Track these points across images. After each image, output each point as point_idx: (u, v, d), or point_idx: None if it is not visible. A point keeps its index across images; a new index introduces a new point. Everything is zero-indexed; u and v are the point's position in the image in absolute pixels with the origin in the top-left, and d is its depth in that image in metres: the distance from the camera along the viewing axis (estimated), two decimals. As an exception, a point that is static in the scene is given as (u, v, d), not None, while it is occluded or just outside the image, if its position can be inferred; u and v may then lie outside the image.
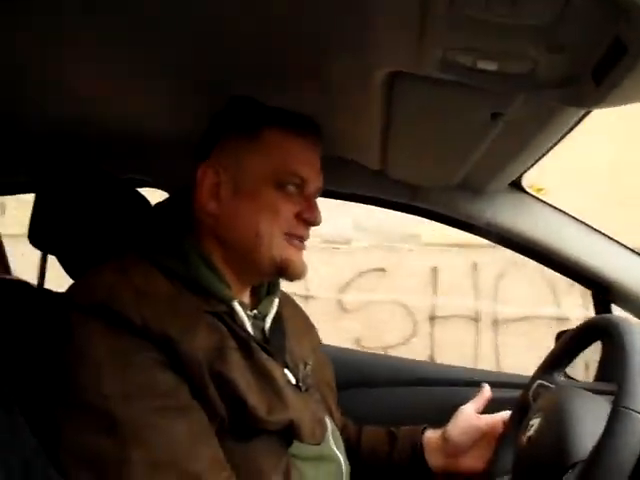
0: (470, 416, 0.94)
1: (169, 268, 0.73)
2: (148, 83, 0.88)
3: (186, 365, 0.66)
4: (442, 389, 1.27)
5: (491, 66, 0.58)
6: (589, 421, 0.71)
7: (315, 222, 0.80)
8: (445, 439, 0.93)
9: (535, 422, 0.80)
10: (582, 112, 0.75)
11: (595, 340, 0.86)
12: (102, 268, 0.74)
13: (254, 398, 0.70)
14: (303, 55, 0.72)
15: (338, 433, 0.89)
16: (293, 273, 0.79)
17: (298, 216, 0.78)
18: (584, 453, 0.66)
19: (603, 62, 0.51)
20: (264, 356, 0.76)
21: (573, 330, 0.87)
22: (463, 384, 1.24)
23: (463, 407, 0.95)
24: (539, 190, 1.10)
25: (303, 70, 0.77)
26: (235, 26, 0.64)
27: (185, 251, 0.76)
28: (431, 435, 0.96)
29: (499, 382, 1.21)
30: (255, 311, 0.82)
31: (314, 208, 0.80)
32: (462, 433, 0.92)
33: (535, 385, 0.87)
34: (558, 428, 0.73)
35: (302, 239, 0.80)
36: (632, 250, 1.13)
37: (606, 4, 0.44)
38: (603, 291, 1.15)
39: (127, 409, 0.64)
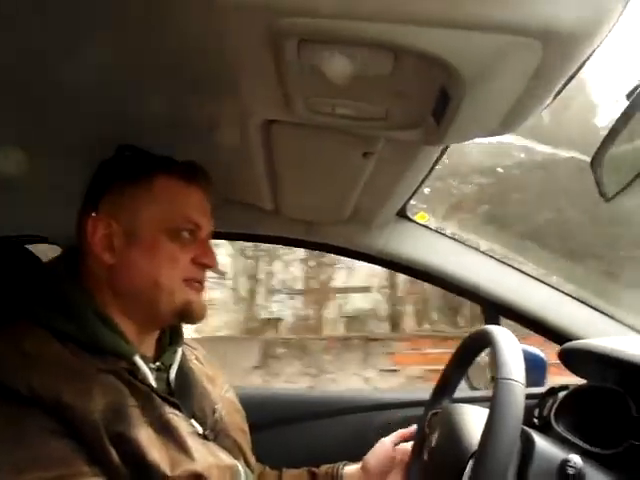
0: (387, 447, 0.98)
1: (62, 331, 0.70)
2: (36, 136, 0.88)
3: (81, 430, 0.64)
4: (355, 416, 1.29)
5: (348, 112, 0.64)
6: (476, 421, 0.77)
7: (212, 265, 0.81)
8: (364, 469, 0.97)
9: (432, 438, 0.86)
10: (441, 148, 0.84)
11: (479, 353, 0.93)
12: None
13: (155, 454, 0.68)
14: (182, 107, 0.75)
15: (252, 479, 0.89)
16: (195, 316, 0.79)
17: (194, 261, 0.79)
18: (477, 443, 0.71)
19: (438, 106, 0.58)
20: (168, 409, 0.74)
21: (456, 349, 0.94)
22: (373, 408, 1.28)
23: (383, 439, 1.00)
24: (423, 217, 1.19)
25: (185, 121, 0.80)
26: (121, 82, 0.67)
27: (79, 311, 0.73)
28: (350, 469, 0.99)
29: (405, 402, 1.27)
30: (158, 363, 0.81)
31: (210, 252, 0.81)
32: (378, 463, 0.96)
33: (429, 416, 0.94)
34: (451, 435, 0.79)
35: (200, 282, 0.80)
36: (512, 265, 1.24)
37: (428, 61, 0.51)
38: (491, 306, 1.25)
39: None
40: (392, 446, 0.99)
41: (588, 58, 0.53)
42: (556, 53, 0.49)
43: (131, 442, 0.66)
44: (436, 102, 0.58)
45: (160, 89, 0.69)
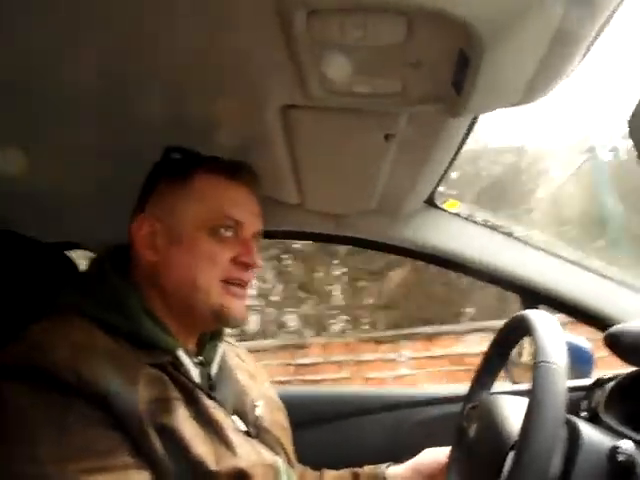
0: (439, 451, 0.96)
1: (109, 323, 0.71)
2: (71, 146, 0.90)
3: (127, 421, 0.64)
4: (393, 413, 1.27)
5: (365, 89, 0.62)
6: (516, 411, 0.74)
7: (254, 265, 0.79)
8: (414, 471, 0.95)
9: (471, 431, 0.82)
10: (466, 124, 0.81)
11: (517, 340, 0.89)
12: (37, 328, 0.70)
13: (200, 448, 0.68)
14: (201, 101, 0.75)
15: (294, 477, 0.87)
16: (231, 321, 0.78)
17: (235, 260, 0.77)
18: (518, 433, 0.68)
19: (457, 74, 0.56)
20: (211, 404, 0.74)
21: (493, 338, 0.90)
22: (410, 405, 1.25)
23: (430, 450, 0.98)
24: (453, 205, 1.15)
25: (205, 116, 0.80)
26: (141, 81, 0.68)
27: (126, 304, 0.74)
28: (395, 470, 0.97)
29: (438, 399, 1.23)
30: (200, 357, 0.81)
31: (251, 250, 0.79)
32: (429, 467, 0.95)
33: (467, 409, 0.90)
34: (490, 426, 0.76)
35: (242, 284, 0.79)
36: (548, 251, 1.19)
37: (444, 24, 0.48)
38: (529, 294, 1.20)
39: (65, 473, 0.60)
40: (443, 451, 0.95)
41: (612, 15, 0.50)
42: (578, 8, 0.46)
43: (176, 435, 0.66)
44: (455, 70, 0.56)
45: (174, 86, 0.69)
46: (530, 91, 0.58)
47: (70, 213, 1.18)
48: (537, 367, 0.65)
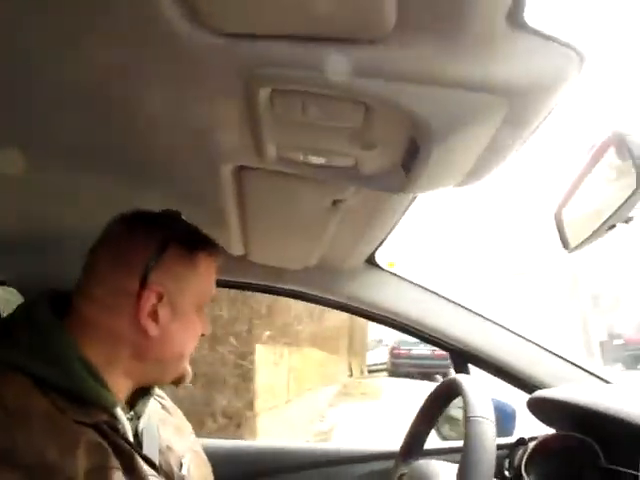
0: None
1: (43, 378, 0.66)
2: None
3: None
4: (325, 470, 1.26)
5: (320, 161, 0.65)
6: (447, 476, 0.77)
7: (206, 334, 0.84)
8: None
9: None
10: (411, 196, 0.85)
11: (448, 403, 0.93)
12: None
13: None
14: (154, 152, 0.75)
15: None
16: (185, 381, 0.82)
17: (200, 331, 0.82)
18: None
19: (407, 157, 0.60)
20: (148, 470, 0.71)
21: (423, 403, 0.94)
22: (343, 462, 1.25)
23: None
24: (391, 265, 1.20)
25: (157, 167, 0.80)
26: (91, 128, 0.67)
27: (64, 357, 0.69)
28: None
29: (376, 455, 1.24)
30: (131, 413, 0.77)
31: (207, 321, 0.84)
32: None
33: (397, 477, 0.92)
34: None
35: None
36: (480, 313, 1.26)
37: (399, 114, 0.52)
38: (459, 353, 1.25)
39: None
40: None
41: (550, 112, 0.56)
42: (520, 109, 0.52)
43: None
44: (405, 153, 0.60)
45: (129, 135, 0.69)
46: (473, 174, 0.63)
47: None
48: (468, 422, 0.69)
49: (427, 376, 13.18)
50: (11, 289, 1.27)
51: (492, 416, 0.71)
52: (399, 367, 14.36)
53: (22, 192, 0.92)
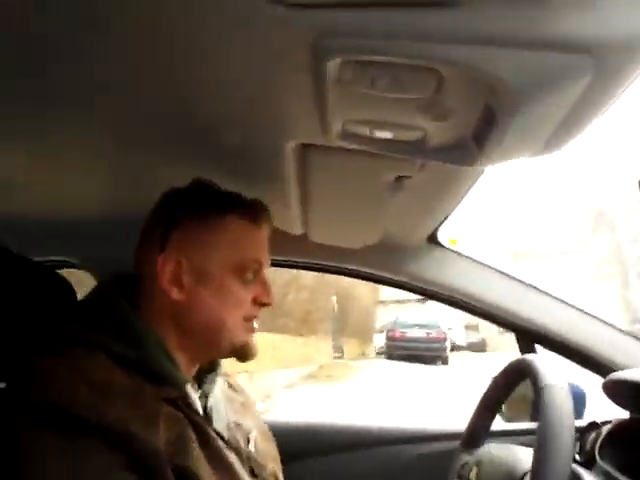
0: None
1: (124, 357, 0.69)
2: (71, 164, 0.89)
3: (148, 463, 0.62)
4: (384, 449, 1.26)
5: (387, 135, 0.63)
6: (519, 456, 0.75)
7: (271, 304, 0.81)
8: None
9: (472, 475, 0.82)
10: (479, 171, 0.82)
11: (516, 384, 0.90)
12: (49, 361, 0.67)
13: None
14: (217, 127, 0.75)
15: None
16: (249, 355, 0.80)
17: (255, 300, 0.79)
18: (525, 465, 0.68)
19: (480, 126, 0.57)
20: (221, 444, 0.73)
21: (487, 389, 0.91)
22: (402, 441, 1.24)
23: None
24: (453, 242, 1.16)
25: (218, 141, 0.80)
26: (151, 99, 0.67)
27: (140, 336, 0.72)
28: None
29: (438, 435, 1.22)
30: (200, 390, 0.80)
31: (269, 291, 0.81)
32: None
33: (459, 465, 0.90)
34: (495, 464, 0.76)
35: (255, 320, 0.81)
36: (548, 292, 1.21)
37: (475, 80, 0.50)
38: (525, 334, 1.21)
39: None
40: None
41: (637, 76, 0.51)
42: (606, 70, 0.48)
43: (192, 477, 0.65)
44: (478, 123, 0.57)
45: (194, 106, 0.69)
46: (550, 144, 0.60)
47: (68, 230, 1.17)
48: (543, 389, 0.67)
49: (423, 359, 13.08)
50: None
51: (566, 384, 0.68)
52: (394, 350, 14.31)
53: (91, 176, 0.95)
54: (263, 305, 0.80)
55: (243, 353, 0.79)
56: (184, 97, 0.66)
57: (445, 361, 14.04)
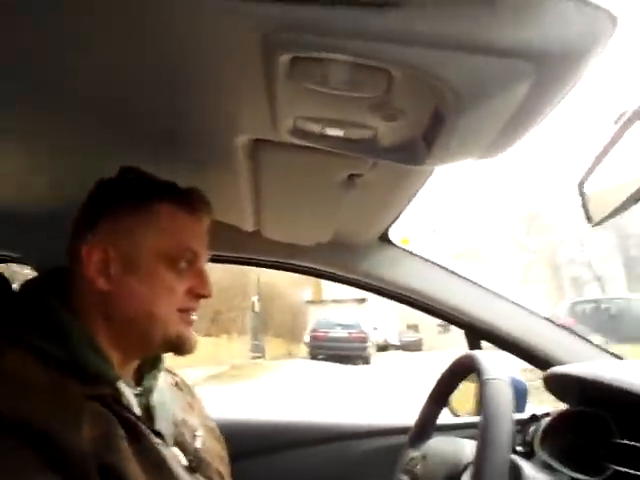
0: None
1: (47, 353, 0.67)
2: (15, 153, 0.85)
3: (69, 462, 0.59)
4: (337, 444, 1.27)
5: (338, 133, 0.64)
6: (464, 444, 0.77)
7: (208, 296, 0.79)
8: None
9: (418, 469, 0.84)
10: (429, 170, 0.84)
11: (462, 379, 0.92)
12: None
13: None
14: (167, 121, 0.73)
15: None
16: (185, 349, 0.77)
17: (190, 291, 0.77)
18: (469, 456, 0.70)
19: (429, 128, 0.58)
20: (154, 439, 0.71)
21: (435, 383, 0.93)
22: (354, 437, 1.26)
23: None
24: (405, 241, 1.18)
25: (169, 137, 0.78)
26: (102, 95, 0.65)
27: (67, 333, 0.69)
28: None
29: (387, 429, 1.24)
30: (139, 388, 0.78)
31: (207, 282, 0.78)
32: None
33: (406, 461, 0.92)
34: (438, 456, 0.78)
35: (193, 313, 0.78)
36: (494, 290, 1.25)
37: (424, 82, 0.51)
38: (473, 330, 1.25)
39: None
40: None
41: (580, 79, 0.54)
42: (546, 77, 0.50)
43: (120, 475, 0.63)
44: (427, 123, 0.58)
45: (142, 101, 0.67)
46: (496, 146, 0.62)
47: (8, 222, 1.12)
48: (485, 384, 0.69)
49: (345, 358, 13.36)
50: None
51: (507, 378, 0.71)
52: (317, 350, 14.45)
53: (38, 167, 0.91)
54: (199, 296, 0.78)
55: (178, 346, 0.76)
56: (132, 85, 0.64)
57: (366, 360, 14.14)
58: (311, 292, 20.17)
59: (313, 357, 14.37)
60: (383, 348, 17.48)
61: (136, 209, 0.75)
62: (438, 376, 0.97)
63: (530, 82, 0.49)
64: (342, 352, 13.68)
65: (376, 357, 15.40)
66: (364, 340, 14.39)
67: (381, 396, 7.05)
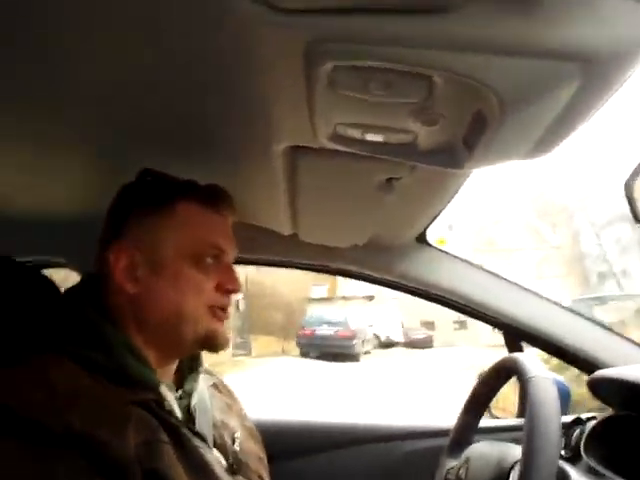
0: None
1: (90, 361, 0.68)
2: (53, 160, 0.88)
3: (116, 469, 0.61)
4: (375, 446, 1.27)
5: (377, 138, 0.64)
6: (508, 446, 0.76)
7: (237, 291, 0.79)
8: None
9: (462, 472, 0.83)
10: (468, 173, 0.83)
11: (504, 382, 0.91)
12: (12, 371, 0.66)
13: None
14: (206, 126, 0.75)
15: None
16: (218, 345, 0.78)
17: (219, 287, 0.77)
18: (514, 458, 0.69)
19: (471, 131, 0.58)
20: (197, 442, 0.72)
21: (473, 389, 0.92)
22: (393, 438, 1.25)
23: None
24: (441, 242, 1.17)
25: (207, 141, 0.80)
26: (140, 97, 0.67)
27: (107, 340, 0.71)
28: None
29: (428, 432, 1.24)
30: (180, 391, 0.79)
31: (235, 277, 0.79)
32: None
33: (447, 470, 0.90)
34: (484, 458, 0.77)
35: (224, 309, 0.79)
36: (534, 292, 1.22)
37: (466, 87, 0.50)
38: (513, 331, 1.23)
39: None
40: None
41: (625, 82, 0.52)
42: (594, 78, 0.49)
43: (165, 479, 0.64)
44: (469, 127, 0.58)
45: (184, 105, 0.68)
46: (538, 149, 0.60)
47: (53, 228, 1.15)
48: (528, 382, 0.68)
49: (337, 357, 13.02)
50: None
51: (552, 376, 0.69)
52: (306, 347, 14.20)
53: (80, 173, 0.94)
54: (229, 292, 0.78)
55: (211, 343, 0.77)
56: (175, 96, 0.66)
57: (355, 358, 13.83)
58: (326, 289, 20.02)
59: (304, 355, 14.20)
60: (387, 345, 17.18)
61: (158, 210, 0.76)
62: (476, 381, 0.95)
63: (576, 84, 0.48)
64: (329, 350, 13.47)
65: (372, 355, 15.03)
66: (351, 338, 14.09)
67: (351, 394, 6.95)
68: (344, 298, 18.33)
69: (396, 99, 0.54)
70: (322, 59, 0.50)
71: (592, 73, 0.48)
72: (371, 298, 18.38)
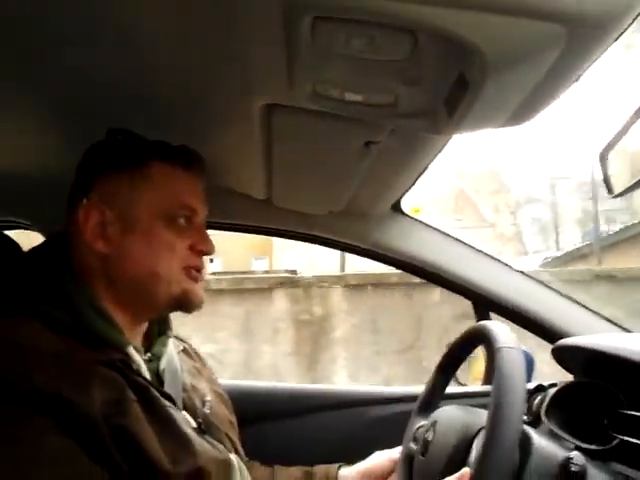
0: (385, 454, 0.96)
1: (55, 320, 0.67)
2: (18, 118, 0.84)
3: (82, 426, 0.61)
4: (346, 411, 1.28)
5: (357, 97, 0.62)
6: (474, 411, 0.78)
7: (210, 252, 0.79)
8: (362, 474, 0.95)
9: (429, 434, 0.85)
10: (447, 140, 0.82)
11: (471, 350, 0.93)
12: None
13: (156, 450, 0.66)
14: (179, 83, 0.72)
15: (247, 473, 0.87)
16: (192, 305, 0.78)
17: (192, 248, 0.77)
18: (479, 423, 0.71)
19: (452, 95, 0.57)
20: (164, 402, 0.72)
21: (444, 354, 0.94)
22: (364, 403, 1.27)
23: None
24: (416, 211, 1.17)
25: (180, 98, 0.77)
26: (110, 53, 0.64)
27: (72, 299, 0.70)
28: (345, 472, 0.97)
29: (395, 397, 1.26)
30: (149, 354, 0.79)
31: (207, 238, 0.79)
32: (377, 469, 0.95)
33: (415, 429, 0.92)
34: (450, 426, 0.79)
35: (199, 270, 0.78)
36: (503, 263, 1.24)
37: (450, 45, 0.49)
38: (482, 302, 1.25)
39: None
40: (392, 453, 0.96)
41: (607, 48, 0.52)
42: (578, 41, 0.48)
43: (132, 437, 0.64)
44: (450, 90, 0.57)
45: (154, 59, 0.66)
46: (520, 114, 0.60)
47: (21, 190, 1.11)
48: (497, 351, 0.70)
49: None
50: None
51: (519, 345, 0.71)
52: None
53: (48, 133, 0.90)
54: (202, 253, 0.78)
55: (185, 302, 0.77)
56: (146, 50, 0.63)
57: None
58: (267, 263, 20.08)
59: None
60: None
61: (130, 169, 0.75)
62: (447, 346, 0.97)
63: (561, 47, 0.48)
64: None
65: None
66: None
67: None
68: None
69: (378, 56, 0.52)
70: (302, 11, 0.48)
71: (577, 36, 0.47)
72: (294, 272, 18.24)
